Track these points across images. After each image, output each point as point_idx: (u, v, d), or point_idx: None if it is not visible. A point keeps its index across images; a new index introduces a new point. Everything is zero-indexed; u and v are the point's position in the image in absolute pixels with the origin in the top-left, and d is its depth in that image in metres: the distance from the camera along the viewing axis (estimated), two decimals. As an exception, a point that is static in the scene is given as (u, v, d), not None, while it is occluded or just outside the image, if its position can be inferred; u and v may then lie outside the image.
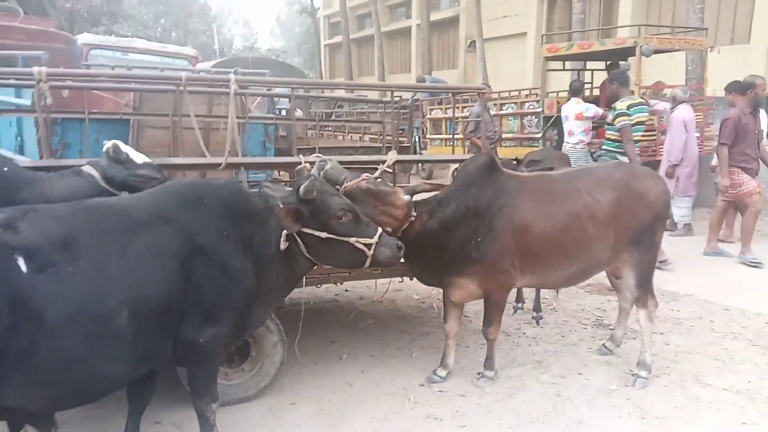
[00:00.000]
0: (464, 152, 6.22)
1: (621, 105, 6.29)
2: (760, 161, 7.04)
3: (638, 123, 6.37)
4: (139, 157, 3.21)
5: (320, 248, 2.97)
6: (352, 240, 2.96)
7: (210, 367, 2.96)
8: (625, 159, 6.11)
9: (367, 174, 3.50)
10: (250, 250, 2.90)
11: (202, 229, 2.76)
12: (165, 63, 10.05)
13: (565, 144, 8.57)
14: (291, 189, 3.16)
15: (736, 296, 5.67)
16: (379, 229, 3.07)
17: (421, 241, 3.59)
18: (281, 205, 2.91)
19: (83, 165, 3.17)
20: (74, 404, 2.72)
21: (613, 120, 6.36)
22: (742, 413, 3.55)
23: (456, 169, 4.07)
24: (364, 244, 2.98)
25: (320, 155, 3.81)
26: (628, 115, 6.21)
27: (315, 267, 3.19)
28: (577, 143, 8.42)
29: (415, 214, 3.55)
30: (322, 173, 3.37)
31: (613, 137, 6.50)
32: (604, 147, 6.76)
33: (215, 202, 2.87)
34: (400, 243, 3.10)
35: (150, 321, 2.57)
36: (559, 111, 10.20)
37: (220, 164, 3.71)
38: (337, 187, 3.35)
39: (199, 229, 2.75)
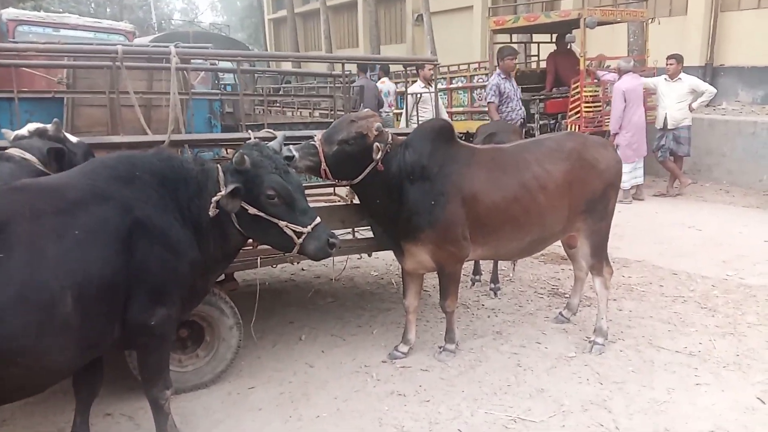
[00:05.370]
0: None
1: None
2: None
3: None
4: (71, 137, 3.02)
5: (248, 222, 2.84)
6: (281, 223, 2.83)
7: (162, 351, 2.83)
8: None
9: None
10: (189, 219, 2.77)
11: (140, 203, 2.61)
12: (100, 39, 9.50)
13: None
14: None
15: (682, 261, 5.83)
16: (317, 220, 2.90)
17: (389, 186, 3.56)
18: (219, 168, 2.81)
19: (9, 149, 2.92)
20: (17, 398, 2.55)
21: None
22: (695, 374, 3.64)
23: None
24: (294, 231, 2.85)
25: (270, 131, 3.68)
26: None
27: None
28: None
29: (390, 142, 3.55)
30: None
31: None
32: None
33: (148, 174, 2.72)
34: (333, 240, 2.93)
35: (96, 305, 2.43)
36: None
37: (163, 142, 3.53)
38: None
39: (136, 204, 2.60)
